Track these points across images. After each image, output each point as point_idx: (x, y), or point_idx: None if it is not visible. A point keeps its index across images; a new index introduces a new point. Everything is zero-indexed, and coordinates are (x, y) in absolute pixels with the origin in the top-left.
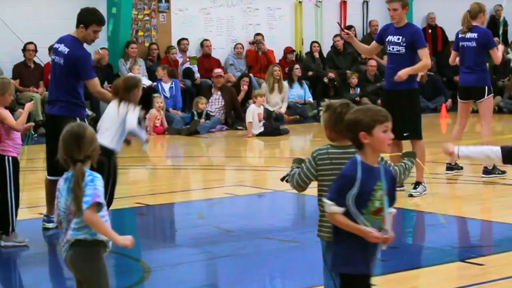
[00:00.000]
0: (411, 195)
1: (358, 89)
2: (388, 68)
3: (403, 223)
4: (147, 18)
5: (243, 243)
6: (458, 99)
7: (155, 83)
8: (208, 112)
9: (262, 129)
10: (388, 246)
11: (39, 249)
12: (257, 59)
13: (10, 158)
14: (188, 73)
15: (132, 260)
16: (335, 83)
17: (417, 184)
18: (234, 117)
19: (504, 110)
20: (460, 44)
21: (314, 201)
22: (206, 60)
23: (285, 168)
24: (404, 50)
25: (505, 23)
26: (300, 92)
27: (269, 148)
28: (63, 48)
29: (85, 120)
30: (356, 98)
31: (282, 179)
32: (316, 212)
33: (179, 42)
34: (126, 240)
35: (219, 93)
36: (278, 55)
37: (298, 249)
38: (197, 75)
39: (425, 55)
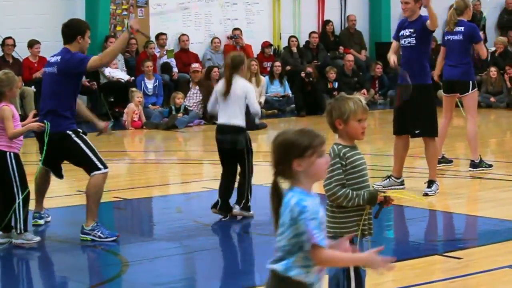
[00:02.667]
0: (426, 194)
1: (336, 83)
2: (403, 64)
3: (382, 216)
4: (125, 13)
5: (220, 237)
6: (443, 93)
7: (132, 78)
8: (186, 106)
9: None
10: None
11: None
12: None
13: (12, 154)
14: (166, 68)
15: (111, 254)
16: (311, 78)
17: (430, 183)
18: None
19: (481, 105)
20: (446, 38)
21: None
22: (184, 55)
23: (262, 163)
24: (414, 42)
25: (484, 18)
26: (280, 89)
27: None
28: (55, 58)
29: (77, 133)
30: (334, 93)
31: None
32: None
33: (157, 37)
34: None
35: (196, 87)
36: (256, 50)
37: (275, 243)
38: (175, 69)
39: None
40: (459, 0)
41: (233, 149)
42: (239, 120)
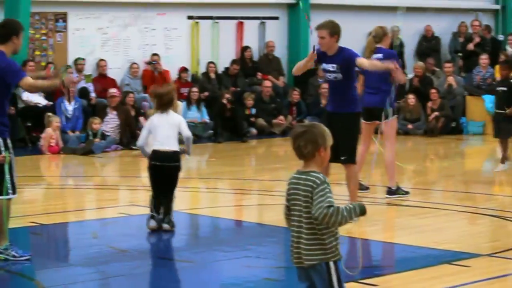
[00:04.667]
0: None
1: (254, 109)
2: (330, 94)
3: None
4: (44, 37)
5: (137, 262)
6: (362, 120)
7: (51, 103)
8: (103, 132)
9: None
10: (278, 266)
11: None
12: (153, 79)
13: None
14: (84, 92)
15: (26, 279)
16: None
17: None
18: (129, 137)
19: (399, 131)
20: None
21: (208, 221)
22: (102, 80)
23: (180, 189)
24: (341, 77)
25: (401, 45)
26: (197, 115)
27: None
28: None
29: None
30: (252, 119)
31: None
32: (211, 232)
33: (75, 62)
34: None
35: (114, 112)
36: (174, 75)
37: (191, 269)
38: (93, 94)
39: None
40: (377, 27)
41: None
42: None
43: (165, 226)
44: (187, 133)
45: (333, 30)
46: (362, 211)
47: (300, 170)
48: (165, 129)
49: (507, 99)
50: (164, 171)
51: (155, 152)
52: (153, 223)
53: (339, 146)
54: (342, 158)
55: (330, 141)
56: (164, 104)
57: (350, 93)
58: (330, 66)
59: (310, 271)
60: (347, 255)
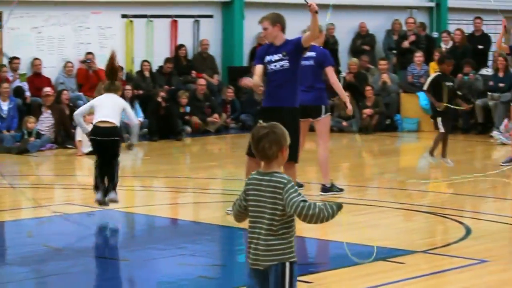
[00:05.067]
0: None
1: (188, 108)
2: (269, 87)
3: (233, 241)
4: None
5: (72, 261)
6: None
7: None
8: (38, 130)
9: (92, 147)
10: (213, 264)
11: None
12: (87, 77)
13: None
14: (18, 92)
15: None
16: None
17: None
18: (64, 136)
19: (334, 129)
20: None
21: (143, 219)
22: (37, 79)
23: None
24: (288, 64)
25: (335, 42)
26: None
27: None
28: None
29: None
30: (186, 117)
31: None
32: (146, 230)
33: (10, 61)
34: None
35: (49, 111)
36: None
37: (127, 268)
38: (28, 93)
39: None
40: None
41: None
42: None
43: (112, 196)
44: (133, 120)
45: (274, 19)
46: (339, 206)
47: (261, 171)
48: (108, 107)
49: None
50: (104, 145)
51: (95, 127)
52: (98, 196)
53: None
54: None
55: (289, 140)
56: (110, 75)
57: (293, 86)
58: (275, 56)
59: (266, 271)
60: None
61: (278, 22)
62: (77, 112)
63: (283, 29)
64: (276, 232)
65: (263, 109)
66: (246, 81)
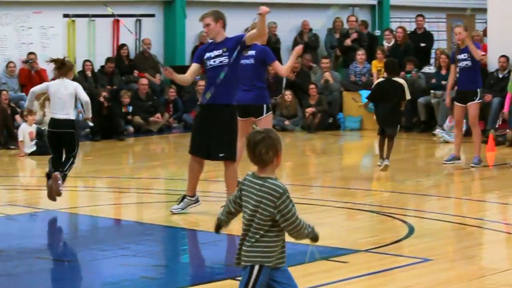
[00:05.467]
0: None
1: (131, 107)
2: (208, 84)
3: (176, 241)
4: None
5: (15, 262)
6: (238, 117)
7: None
8: None
9: (34, 148)
10: (155, 264)
11: None
12: (30, 78)
13: None
14: None
15: None
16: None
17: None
18: (7, 136)
19: (276, 128)
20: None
21: (86, 220)
22: None
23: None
24: (227, 60)
25: (277, 41)
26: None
27: (41, 167)
28: None
29: None
30: (128, 117)
31: None
32: (89, 231)
33: None
34: None
35: None
36: (51, 74)
37: (70, 268)
38: None
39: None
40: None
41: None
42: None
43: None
44: (85, 97)
45: (217, 15)
46: (316, 236)
47: (255, 174)
48: (62, 98)
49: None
50: (60, 138)
51: (52, 119)
52: (51, 181)
53: (217, 142)
54: (221, 155)
55: (282, 145)
56: (60, 67)
57: (231, 82)
58: (215, 52)
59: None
60: (222, 252)
61: (220, 18)
62: (33, 89)
63: (224, 26)
64: (256, 234)
65: (201, 106)
66: (168, 72)
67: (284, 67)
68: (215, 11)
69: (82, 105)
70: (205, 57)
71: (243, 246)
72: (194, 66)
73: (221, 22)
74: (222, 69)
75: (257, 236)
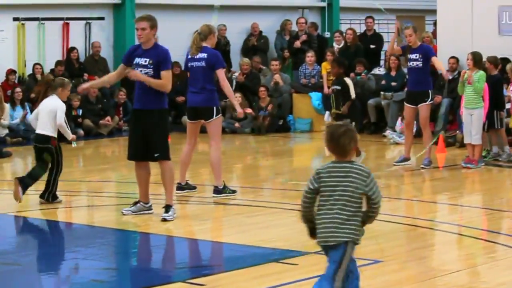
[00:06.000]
0: (164, 219)
1: (81, 110)
2: (137, 89)
3: (126, 244)
4: None
5: None
6: (187, 120)
7: None
8: None
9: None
10: (105, 267)
11: None
12: None
13: None
14: None
15: None
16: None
17: (168, 207)
18: None
19: (226, 130)
20: (189, 64)
21: (36, 223)
22: None
23: (7, 192)
24: (152, 73)
25: (227, 43)
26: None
27: None
28: None
29: None
30: (78, 120)
31: None
32: (39, 234)
33: None
34: None
35: None
36: (2, 78)
37: (19, 272)
38: None
39: (167, 77)
40: (204, 25)
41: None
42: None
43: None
44: (58, 121)
45: (153, 23)
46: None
47: (336, 161)
48: (43, 114)
49: (343, 98)
50: (37, 151)
51: (35, 134)
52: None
53: (151, 144)
54: (156, 155)
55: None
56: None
57: (158, 91)
58: (143, 60)
59: (331, 249)
60: (171, 255)
61: (155, 26)
62: (31, 117)
63: (155, 34)
64: (348, 212)
65: (134, 111)
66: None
67: (226, 83)
68: (152, 18)
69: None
70: (135, 61)
71: (331, 224)
72: (121, 67)
73: (155, 29)
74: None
75: (349, 214)
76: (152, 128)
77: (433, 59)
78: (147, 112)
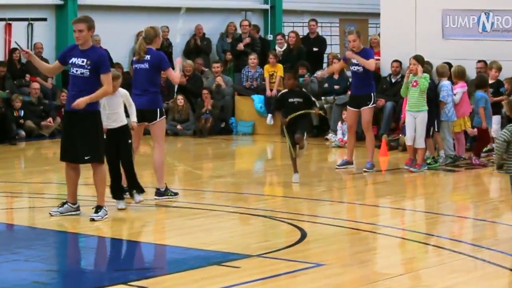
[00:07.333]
0: (93, 220)
1: (22, 111)
2: (71, 90)
3: (67, 246)
4: None
5: None
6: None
7: None
8: None
9: None
10: (47, 269)
11: None
12: None
13: None
14: None
15: None
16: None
17: (98, 208)
18: None
19: (168, 132)
20: (134, 66)
21: None
22: None
23: None
24: (88, 73)
25: (169, 45)
26: None
27: None
28: None
29: None
30: (20, 121)
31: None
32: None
33: None
34: None
35: None
36: None
37: None
38: None
39: (107, 81)
40: (148, 28)
41: None
42: None
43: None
44: None
45: (91, 24)
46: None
47: None
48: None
49: (306, 108)
50: None
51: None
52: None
53: (81, 146)
54: (86, 157)
55: None
56: None
57: (91, 91)
58: (80, 61)
59: None
60: (113, 257)
61: (93, 27)
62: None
63: (92, 35)
64: None
65: (65, 112)
66: (27, 54)
67: (176, 75)
68: (90, 19)
69: None
70: (70, 61)
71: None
72: (56, 64)
73: (92, 30)
74: (83, 80)
75: None
76: (83, 130)
77: (370, 60)
78: (78, 114)
